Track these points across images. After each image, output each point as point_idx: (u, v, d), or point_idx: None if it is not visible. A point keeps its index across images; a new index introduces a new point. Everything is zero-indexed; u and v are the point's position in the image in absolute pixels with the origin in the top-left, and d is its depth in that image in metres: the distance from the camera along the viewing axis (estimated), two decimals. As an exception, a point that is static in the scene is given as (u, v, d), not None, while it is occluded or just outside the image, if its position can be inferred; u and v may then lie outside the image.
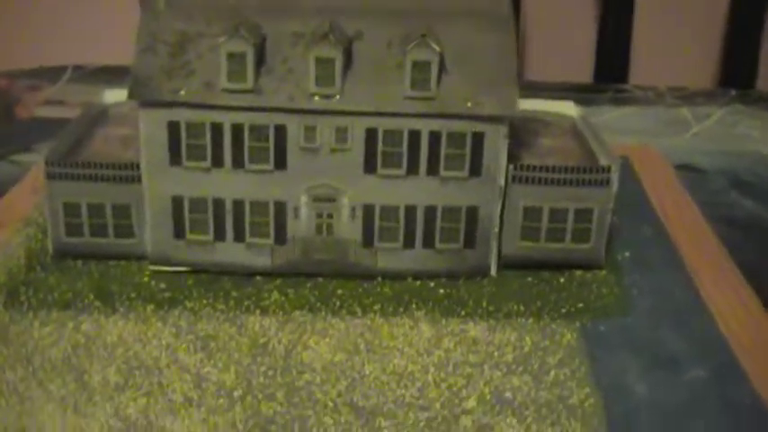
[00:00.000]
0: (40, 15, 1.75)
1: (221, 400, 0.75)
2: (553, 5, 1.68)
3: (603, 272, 0.94)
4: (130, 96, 0.86)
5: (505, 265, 0.93)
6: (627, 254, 0.98)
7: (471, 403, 0.75)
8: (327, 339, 0.83)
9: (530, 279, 0.92)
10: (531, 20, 1.69)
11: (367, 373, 0.78)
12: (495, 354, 0.81)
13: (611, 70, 1.69)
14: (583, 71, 1.71)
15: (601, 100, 1.56)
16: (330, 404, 0.74)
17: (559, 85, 1.59)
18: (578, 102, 1.09)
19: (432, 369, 0.79)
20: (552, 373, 0.79)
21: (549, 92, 1.47)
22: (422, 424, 0.72)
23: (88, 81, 1.55)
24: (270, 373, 0.78)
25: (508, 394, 0.76)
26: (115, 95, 1.07)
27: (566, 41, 1.70)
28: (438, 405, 0.74)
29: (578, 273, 0.93)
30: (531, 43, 1.71)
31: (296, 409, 0.74)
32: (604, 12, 1.69)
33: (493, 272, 0.92)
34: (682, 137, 1.41)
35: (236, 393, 0.75)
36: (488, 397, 0.75)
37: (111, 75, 1.51)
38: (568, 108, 1.08)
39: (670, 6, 1.68)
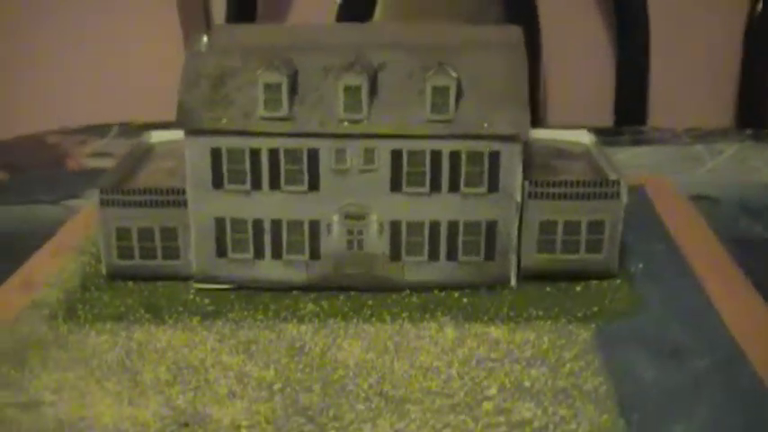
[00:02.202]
0: (87, 76, 1.86)
1: (262, 393, 0.81)
2: (572, 54, 1.77)
3: (617, 281, 1.00)
4: (177, 125, 0.95)
5: (525, 276, 0.99)
6: (640, 266, 1.04)
7: (492, 391, 0.81)
8: (359, 342, 0.89)
9: (548, 289, 0.99)
10: (552, 68, 1.77)
11: (396, 368, 0.85)
12: (515, 351, 0.87)
13: (629, 114, 1.77)
14: (603, 116, 1.79)
15: (619, 141, 1.62)
16: (362, 394, 0.81)
17: (580, 128, 1.66)
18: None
19: (456, 364, 0.85)
20: (568, 365, 0.85)
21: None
22: (446, 409, 0.78)
23: (134, 136, 1.65)
24: (306, 369, 0.85)
25: (527, 383, 0.82)
26: (160, 136, 1.16)
27: (585, 88, 1.78)
28: (462, 393, 0.81)
29: (594, 282, 1.00)
30: (552, 90, 1.79)
31: (331, 399, 0.80)
32: (621, 58, 1.77)
33: (513, 283, 0.99)
34: (696, 171, 1.47)
35: (275, 386, 0.82)
36: (508, 386, 0.82)
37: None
38: (582, 136, 1.15)
39: (686, 52, 1.76)
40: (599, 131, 1.66)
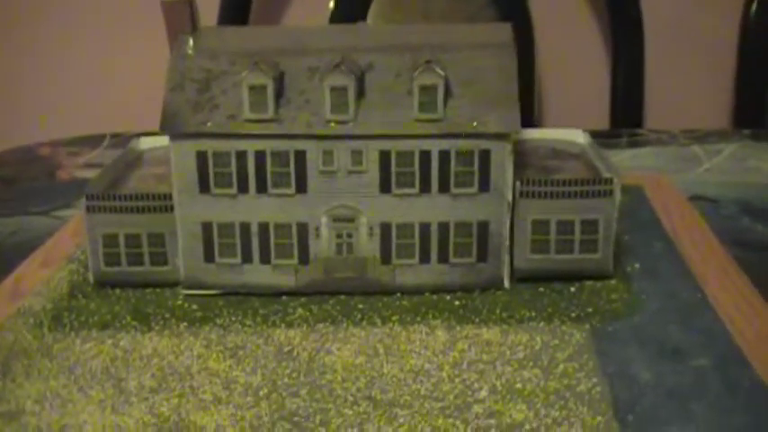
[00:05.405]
0: (79, 87, 1.85)
1: (248, 398, 0.79)
2: (567, 58, 1.75)
3: (613, 281, 0.98)
4: (162, 129, 0.93)
5: (518, 277, 0.98)
6: (637, 266, 1.02)
7: (483, 394, 0.79)
8: (349, 345, 0.88)
9: (542, 289, 0.97)
10: (547, 72, 1.76)
11: (385, 372, 0.83)
12: (507, 352, 0.86)
13: (626, 117, 1.75)
14: (599, 120, 1.77)
15: (616, 143, 1.61)
16: (350, 398, 0.79)
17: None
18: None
19: (446, 367, 0.83)
20: (561, 366, 0.83)
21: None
22: (436, 412, 0.77)
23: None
24: (294, 374, 0.83)
25: (518, 385, 0.80)
26: (150, 142, 1.15)
27: (581, 92, 1.76)
28: (451, 396, 0.79)
29: (589, 282, 0.98)
30: (548, 95, 1.78)
31: (318, 404, 0.78)
32: (617, 62, 1.75)
33: (506, 284, 0.97)
34: (694, 172, 1.45)
35: (262, 392, 0.80)
36: (500, 388, 0.80)
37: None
38: (578, 136, 1.13)
39: (681, 54, 1.75)
40: (596, 134, 1.66)
